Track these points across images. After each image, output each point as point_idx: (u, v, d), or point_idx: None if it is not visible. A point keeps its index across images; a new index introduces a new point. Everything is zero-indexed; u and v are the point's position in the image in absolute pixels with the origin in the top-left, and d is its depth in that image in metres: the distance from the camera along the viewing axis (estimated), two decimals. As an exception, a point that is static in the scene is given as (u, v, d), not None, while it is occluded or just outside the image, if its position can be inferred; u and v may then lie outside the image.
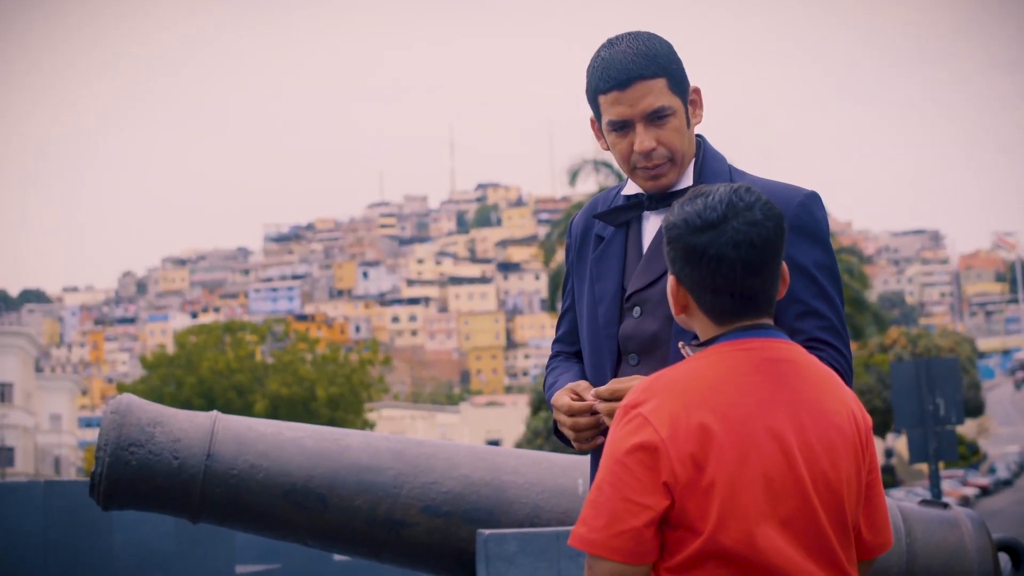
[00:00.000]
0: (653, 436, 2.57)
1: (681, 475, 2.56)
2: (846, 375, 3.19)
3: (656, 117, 3.31)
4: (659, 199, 3.39)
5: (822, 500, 2.63)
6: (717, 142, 3.53)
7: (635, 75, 3.29)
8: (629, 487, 2.57)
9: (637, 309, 3.35)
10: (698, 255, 2.66)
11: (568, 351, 3.64)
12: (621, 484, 2.57)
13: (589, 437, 3.33)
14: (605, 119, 3.36)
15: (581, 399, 3.34)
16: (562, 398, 3.36)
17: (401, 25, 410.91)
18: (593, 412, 3.31)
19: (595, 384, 3.40)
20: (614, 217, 3.46)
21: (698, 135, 3.48)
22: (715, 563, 2.57)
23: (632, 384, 3.19)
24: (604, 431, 3.31)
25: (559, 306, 3.80)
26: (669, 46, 3.35)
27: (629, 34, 3.37)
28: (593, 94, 3.37)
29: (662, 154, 3.33)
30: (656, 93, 3.30)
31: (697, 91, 3.40)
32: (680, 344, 2.84)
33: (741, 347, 2.68)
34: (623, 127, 3.34)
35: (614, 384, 3.23)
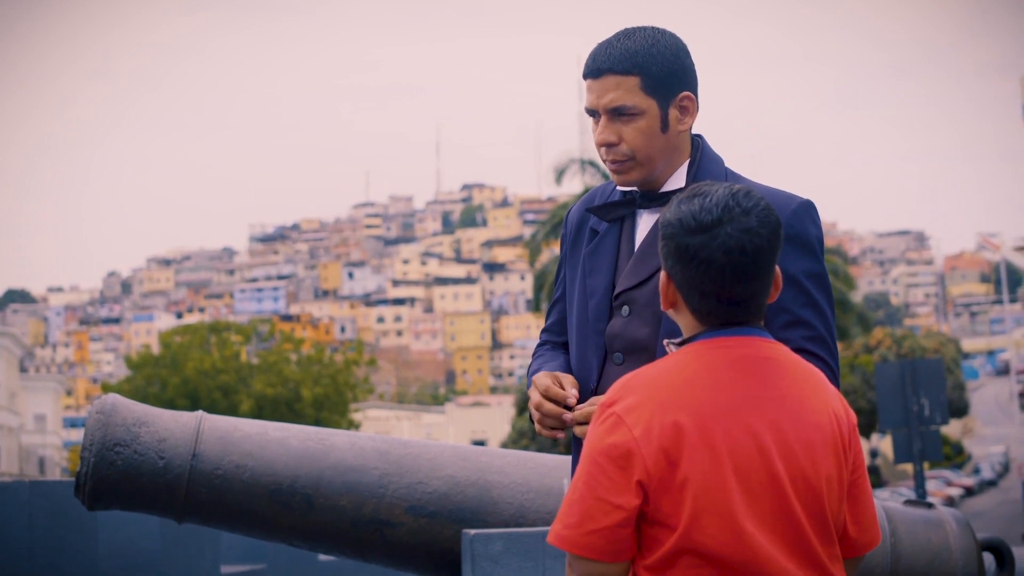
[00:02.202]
0: (626, 435, 2.58)
1: (654, 473, 2.57)
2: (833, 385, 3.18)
3: (618, 113, 3.33)
4: (651, 197, 3.40)
5: (800, 497, 2.63)
6: (707, 139, 3.52)
7: (606, 68, 3.33)
8: (602, 486, 2.58)
9: (626, 308, 3.36)
10: (689, 256, 2.65)
11: (556, 341, 3.63)
12: (595, 483, 2.59)
13: (550, 425, 3.34)
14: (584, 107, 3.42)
15: (561, 387, 3.35)
16: (544, 379, 3.37)
17: (388, 26, 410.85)
18: (567, 407, 3.32)
19: (580, 379, 3.42)
20: (607, 212, 3.46)
21: (697, 135, 3.48)
22: (691, 560, 2.58)
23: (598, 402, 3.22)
24: (567, 430, 3.36)
25: (544, 306, 3.78)
26: (664, 47, 3.34)
27: (635, 28, 3.39)
28: (583, 78, 3.42)
29: (622, 151, 3.34)
30: (623, 90, 3.31)
31: (689, 98, 3.37)
32: (664, 341, 2.84)
33: (718, 344, 2.68)
34: (594, 115, 3.38)
35: (588, 408, 3.25)
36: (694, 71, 3.40)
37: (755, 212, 2.66)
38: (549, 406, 3.34)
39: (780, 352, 2.73)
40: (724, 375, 2.65)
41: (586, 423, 3.24)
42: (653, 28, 3.39)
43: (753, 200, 2.67)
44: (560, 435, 3.36)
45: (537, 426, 3.38)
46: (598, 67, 3.34)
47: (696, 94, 3.40)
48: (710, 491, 2.57)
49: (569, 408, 3.32)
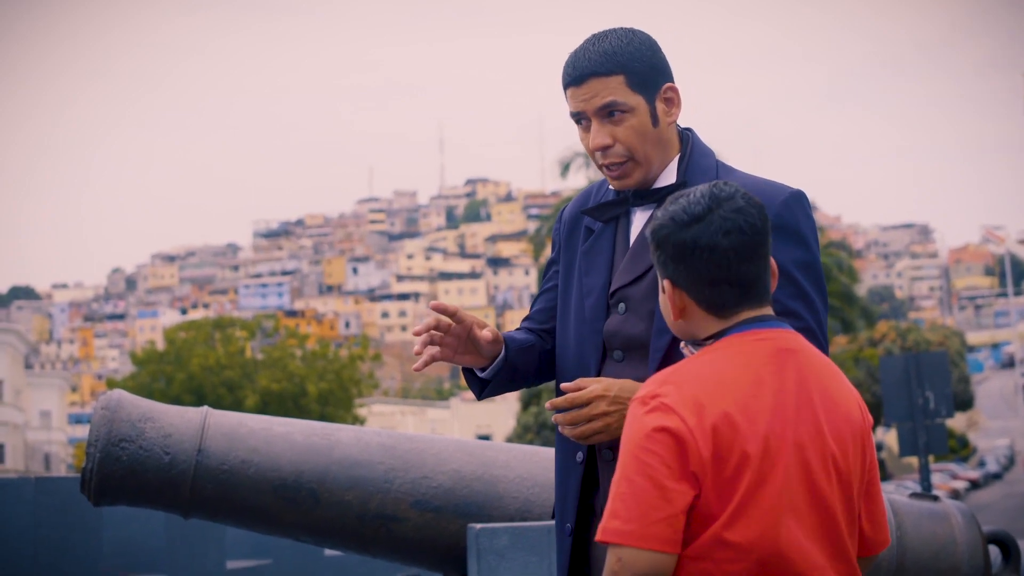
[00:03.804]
0: (680, 424, 2.56)
1: (708, 465, 2.55)
2: None
3: (608, 113, 3.31)
4: (644, 195, 3.39)
5: (835, 492, 2.65)
6: (710, 142, 3.51)
7: (588, 72, 3.31)
8: (660, 473, 2.54)
9: (622, 306, 3.35)
10: (690, 249, 2.68)
11: (535, 328, 3.62)
12: (651, 472, 2.55)
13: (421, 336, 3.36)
14: (569, 112, 3.39)
15: (456, 319, 3.37)
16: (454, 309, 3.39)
17: (388, 26, 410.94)
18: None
19: (577, 376, 3.40)
20: (601, 213, 3.46)
21: (687, 128, 3.47)
22: (728, 554, 2.57)
23: (589, 387, 3.19)
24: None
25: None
26: (640, 43, 3.34)
27: (604, 31, 3.38)
28: (563, 89, 3.40)
29: (618, 152, 3.33)
30: (610, 90, 3.30)
31: (672, 89, 3.37)
32: (682, 344, 2.82)
33: (753, 338, 2.69)
34: (581, 121, 3.37)
35: (574, 394, 3.20)
36: (669, 64, 3.40)
37: (738, 195, 2.72)
38: (427, 328, 3.36)
39: (803, 344, 2.75)
40: (764, 370, 2.65)
41: (568, 408, 3.20)
42: (623, 28, 3.38)
43: (732, 187, 2.74)
44: (426, 359, 3.36)
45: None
46: (580, 73, 3.32)
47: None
48: (757, 486, 2.57)
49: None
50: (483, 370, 3.51)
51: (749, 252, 2.69)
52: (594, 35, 3.37)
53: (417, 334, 3.37)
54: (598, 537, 2.59)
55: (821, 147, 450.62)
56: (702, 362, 2.68)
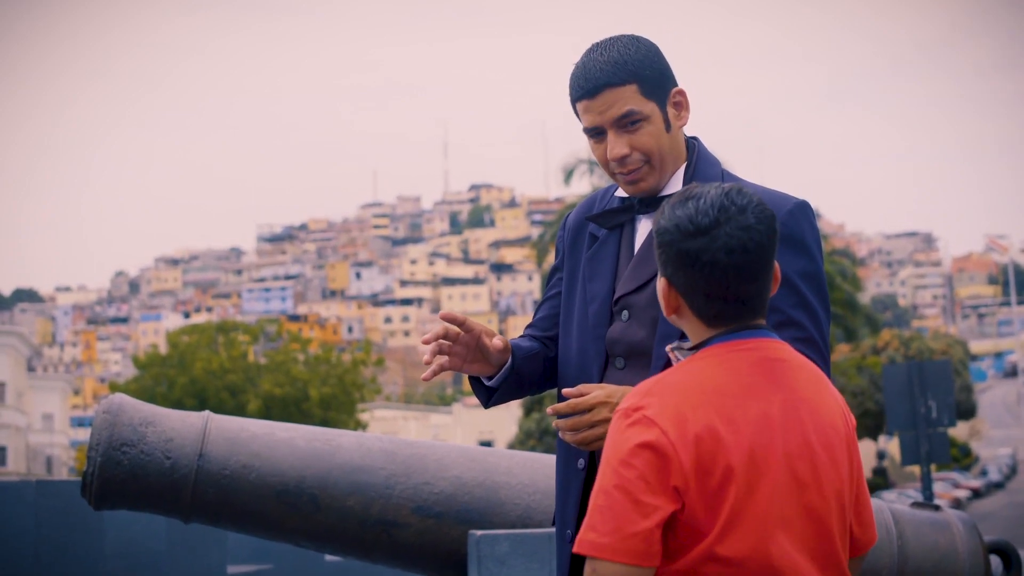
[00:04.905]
0: (661, 437, 2.53)
1: (691, 478, 2.52)
2: None
3: (626, 123, 3.30)
4: (650, 203, 3.38)
5: (826, 502, 2.62)
6: (710, 143, 3.50)
7: (602, 83, 3.28)
8: (637, 488, 2.52)
9: (625, 313, 3.34)
10: (690, 261, 2.63)
11: (539, 335, 3.62)
12: (629, 486, 2.53)
13: (431, 345, 3.34)
14: (582, 126, 3.38)
15: (465, 329, 3.35)
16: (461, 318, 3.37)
17: (388, 26, 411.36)
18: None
19: (580, 383, 3.39)
20: (606, 220, 3.45)
21: (693, 137, 3.47)
22: (718, 568, 2.55)
23: (592, 393, 3.18)
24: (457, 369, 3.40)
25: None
26: (647, 50, 3.33)
27: (605, 40, 3.36)
28: (572, 103, 3.38)
29: (636, 159, 3.32)
30: (625, 99, 3.28)
31: (681, 93, 3.37)
32: (668, 348, 2.79)
33: (738, 347, 2.66)
34: (597, 134, 3.35)
35: (575, 399, 3.19)
36: (671, 68, 3.40)
37: (751, 209, 2.64)
38: (434, 337, 3.34)
39: (789, 352, 2.72)
40: (749, 379, 2.62)
41: (570, 414, 3.20)
42: (624, 36, 3.36)
43: (746, 197, 2.66)
44: (434, 366, 3.35)
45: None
46: (593, 85, 3.29)
47: None
48: (744, 500, 2.54)
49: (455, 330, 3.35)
50: (490, 378, 3.51)
51: (751, 272, 2.64)
52: (596, 45, 3.35)
53: (426, 343, 3.36)
54: (574, 548, 2.58)
55: (821, 147, 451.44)
56: (686, 372, 2.65)
